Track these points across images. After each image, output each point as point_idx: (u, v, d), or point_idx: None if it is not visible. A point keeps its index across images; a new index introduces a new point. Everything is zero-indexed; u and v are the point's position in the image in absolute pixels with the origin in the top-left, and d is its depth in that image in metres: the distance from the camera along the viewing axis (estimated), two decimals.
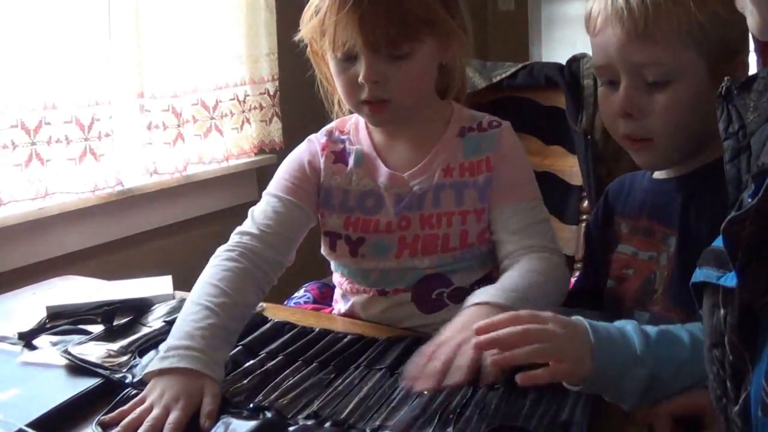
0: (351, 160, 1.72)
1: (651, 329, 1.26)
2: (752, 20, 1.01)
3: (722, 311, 1.01)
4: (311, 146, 1.75)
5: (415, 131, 1.70)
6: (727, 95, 1.09)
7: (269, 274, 1.63)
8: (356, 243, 1.70)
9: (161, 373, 1.36)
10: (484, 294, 1.43)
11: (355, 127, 1.75)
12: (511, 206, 1.65)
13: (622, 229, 1.60)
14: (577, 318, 1.25)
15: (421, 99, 1.66)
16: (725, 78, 1.10)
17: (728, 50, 1.41)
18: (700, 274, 1.07)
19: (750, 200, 1.00)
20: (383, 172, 1.69)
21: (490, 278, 1.67)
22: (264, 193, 1.75)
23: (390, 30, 1.52)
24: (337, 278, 1.81)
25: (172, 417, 1.26)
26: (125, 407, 1.30)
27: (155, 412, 1.27)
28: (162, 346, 1.43)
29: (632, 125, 1.46)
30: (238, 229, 1.71)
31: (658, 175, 1.56)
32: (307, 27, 1.63)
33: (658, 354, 1.22)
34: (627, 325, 1.26)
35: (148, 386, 1.34)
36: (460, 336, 1.29)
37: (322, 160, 1.72)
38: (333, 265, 1.79)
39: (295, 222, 1.70)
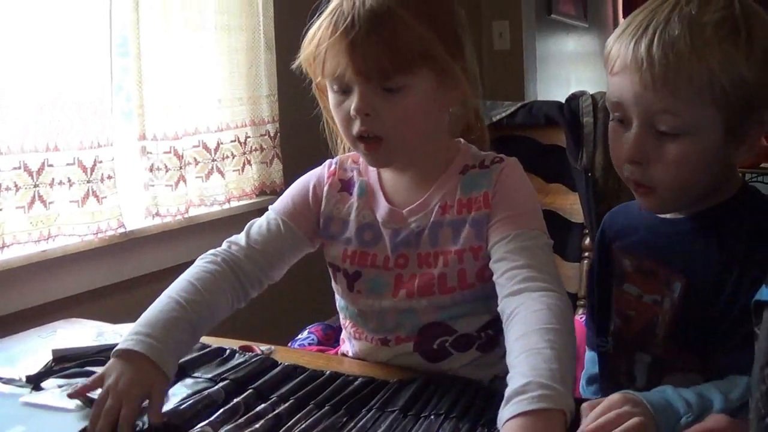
0: (355, 191, 1.72)
1: (688, 393, 1.28)
2: None
3: None
4: (321, 171, 1.76)
5: (420, 168, 1.68)
6: None
7: (246, 288, 1.69)
8: (353, 277, 1.69)
9: (120, 355, 1.46)
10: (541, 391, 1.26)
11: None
12: (508, 234, 1.56)
13: (626, 266, 1.59)
14: (634, 394, 1.27)
15: (417, 138, 1.61)
16: None
17: (747, 108, 1.37)
18: (765, 293, 1.08)
19: None
20: (383, 206, 1.68)
21: (498, 322, 1.57)
22: (269, 207, 1.78)
23: (382, 60, 1.49)
24: (341, 319, 1.80)
25: (123, 412, 1.36)
26: (88, 382, 1.46)
27: (109, 402, 1.38)
28: (129, 329, 1.50)
29: (638, 171, 1.44)
30: (231, 237, 1.77)
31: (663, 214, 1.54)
32: (304, 54, 1.60)
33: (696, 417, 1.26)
34: (667, 390, 1.29)
35: (108, 365, 1.46)
36: None
37: (325, 188, 1.73)
38: (338, 305, 1.78)
39: (286, 245, 1.73)
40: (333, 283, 1.75)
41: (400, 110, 1.54)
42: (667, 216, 1.53)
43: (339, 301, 1.77)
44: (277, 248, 1.72)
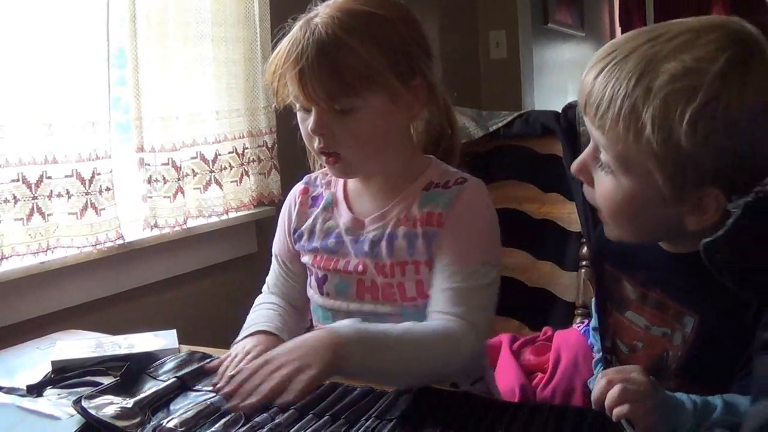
0: (321, 204, 1.80)
1: (697, 398, 1.29)
2: None
3: None
4: (291, 196, 1.89)
5: (385, 182, 1.74)
6: None
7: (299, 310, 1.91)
8: (322, 279, 1.79)
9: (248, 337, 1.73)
10: (342, 324, 1.51)
11: None
12: (449, 266, 1.64)
13: (629, 294, 1.53)
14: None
15: (375, 153, 1.69)
16: None
17: (690, 179, 1.23)
18: None
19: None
20: (345, 214, 1.77)
21: None
22: (273, 249, 1.92)
23: (329, 85, 1.57)
24: (314, 322, 1.87)
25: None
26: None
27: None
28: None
29: (587, 189, 1.41)
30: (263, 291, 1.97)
31: (667, 247, 1.45)
32: (266, 77, 1.70)
33: (701, 417, 1.27)
34: (682, 396, 1.30)
35: (234, 348, 1.70)
36: (283, 358, 1.41)
37: (296, 209, 1.85)
38: (312, 309, 1.86)
39: (300, 280, 1.89)
40: (308, 287, 1.84)
41: (352, 130, 1.62)
42: (667, 248, 1.45)
43: (312, 305, 1.84)
44: (293, 287, 1.91)
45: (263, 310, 1.86)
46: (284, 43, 1.63)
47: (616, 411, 1.24)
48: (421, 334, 1.55)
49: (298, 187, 1.89)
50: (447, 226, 1.66)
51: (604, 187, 1.33)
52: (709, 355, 1.39)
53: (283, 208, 1.90)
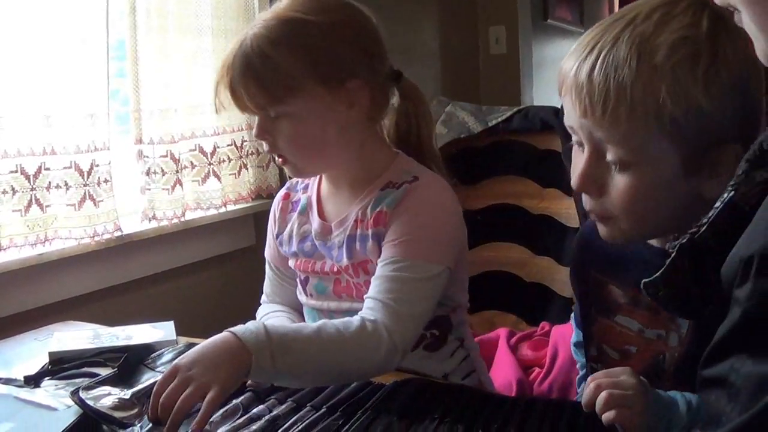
0: (298, 208, 1.84)
1: (692, 398, 1.28)
2: (757, 45, 0.95)
3: None
4: (275, 202, 1.93)
5: (351, 183, 1.77)
6: None
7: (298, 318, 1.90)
8: (304, 281, 1.84)
9: None
10: (246, 328, 1.45)
11: (315, 177, 1.85)
12: (383, 259, 1.65)
13: (618, 298, 1.50)
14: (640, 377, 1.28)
15: (316, 155, 1.71)
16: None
17: (710, 140, 1.23)
18: None
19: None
20: (316, 220, 1.79)
21: (446, 319, 1.80)
22: (265, 254, 1.96)
23: (254, 96, 1.63)
24: (306, 320, 1.89)
25: None
26: None
27: None
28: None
29: (591, 202, 1.35)
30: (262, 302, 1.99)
31: (661, 243, 1.41)
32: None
33: (695, 417, 1.25)
34: (676, 395, 1.28)
35: None
36: (186, 373, 1.37)
37: (277, 214, 1.90)
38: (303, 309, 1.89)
39: (292, 284, 1.91)
40: (297, 291, 1.88)
41: (286, 134, 1.66)
42: (655, 244, 1.43)
43: (304, 308, 1.88)
44: (290, 291, 1.92)
45: (272, 319, 1.86)
46: (226, 53, 1.69)
47: (604, 417, 1.24)
48: (335, 331, 1.51)
49: (281, 192, 1.93)
50: (391, 225, 1.67)
51: (623, 186, 1.28)
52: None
53: (269, 215, 1.94)
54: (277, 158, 1.74)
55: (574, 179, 1.34)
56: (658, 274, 1.08)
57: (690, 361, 1.33)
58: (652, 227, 1.36)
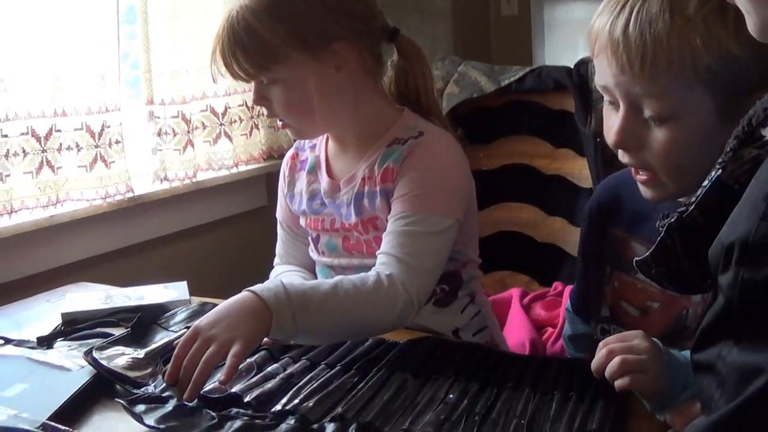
0: (306, 167, 1.87)
1: None
2: (749, 20, 0.91)
3: None
4: (283, 162, 1.96)
5: (356, 141, 1.80)
6: None
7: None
8: (316, 239, 1.88)
9: None
10: (265, 286, 1.48)
11: (323, 137, 1.88)
12: (393, 214, 1.68)
13: (639, 253, 1.39)
14: (655, 339, 1.28)
15: (313, 117, 1.74)
16: None
17: (742, 87, 1.23)
18: None
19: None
20: (325, 178, 1.82)
21: (456, 274, 1.81)
22: (277, 215, 1.98)
23: (242, 65, 1.69)
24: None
25: None
26: None
27: None
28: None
29: (629, 156, 1.36)
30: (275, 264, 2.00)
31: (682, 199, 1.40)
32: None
33: None
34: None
35: None
36: (208, 332, 1.38)
37: (286, 173, 1.94)
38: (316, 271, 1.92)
39: (304, 243, 1.94)
40: (310, 249, 1.91)
41: (280, 99, 1.72)
42: (683, 200, 1.39)
43: (316, 266, 1.91)
44: (302, 250, 1.95)
45: (287, 278, 1.86)
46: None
47: (618, 383, 1.24)
48: (352, 286, 1.54)
49: (289, 152, 1.97)
50: (399, 181, 1.69)
51: (662, 139, 1.29)
52: None
53: (279, 177, 1.97)
54: (278, 122, 1.79)
55: (611, 136, 1.34)
56: (648, 252, 1.07)
57: None
58: (692, 179, 1.31)
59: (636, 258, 1.13)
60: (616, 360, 1.24)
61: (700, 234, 0.99)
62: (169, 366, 1.36)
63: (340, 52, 1.69)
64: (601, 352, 1.28)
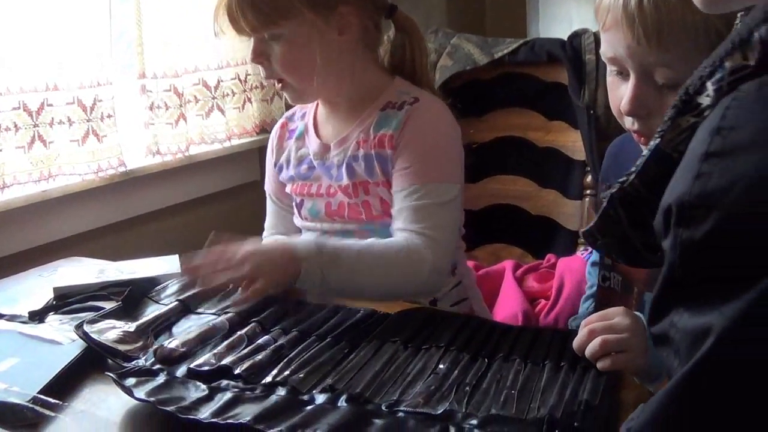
0: (295, 134, 1.91)
1: None
2: None
3: None
4: (272, 134, 2.00)
5: (348, 105, 1.84)
6: None
7: None
8: (299, 205, 1.93)
9: None
10: (302, 240, 1.69)
11: (312, 104, 1.92)
12: (401, 188, 1.74)
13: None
14: (637, 314, 1.31)
15: (312, 77, 1.76)
16: None
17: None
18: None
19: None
20: (314, 141, 1.86)
21: None
22: (265, 187, 2.03)
23: (248, 18, 1.70)
24: None
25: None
26: None
27: None
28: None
29: (639, 123, 1.41)
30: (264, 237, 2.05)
31: None
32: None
33: None
34: None
35: None
36: (248, 256, 1.57)
37: (275, 142, 1.98)
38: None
39: (290, 214, 1.98)
40: (294, 217, 1.95)
41: (281, 56, 1.74)
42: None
43: (301, 230, 1.94)
44: (290, 221, 1.99)
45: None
46: None
47: (599, 365, 1.27)
48: (383, 249, 1.64)
49: (279, 122, 2.02)
50: (399, 149, 1.74)
51: None
52: None
53: (267, 149, 2.01)
54: (276, 84, 1.80)
55: (625, 105, 1.38)
56: (591, 223, 1.09)
57: None
58: None
59: (582, 229, 1.15)
60: (597, 341, 1.27)
61: (644, 204, 1.00)
62: (194, 263, 1.62)
63: (345, 16, 1.73)
64: (582, 332, 1.32)
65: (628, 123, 1.43)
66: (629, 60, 1.35)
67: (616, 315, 1.30)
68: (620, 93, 1.40)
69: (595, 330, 1.28)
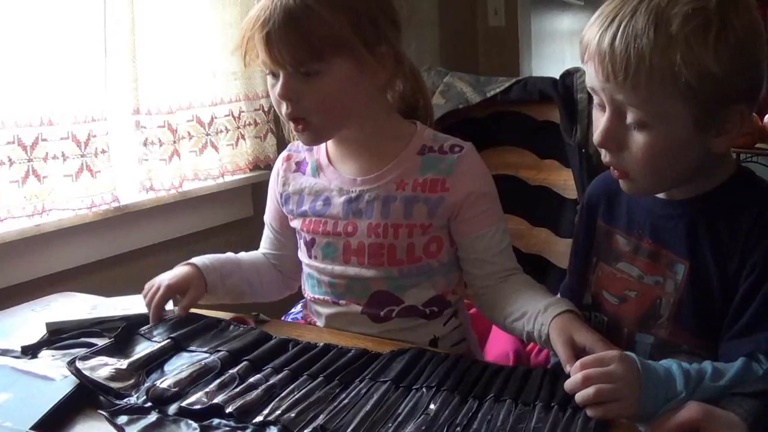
0: (308, 169, 1.85)
1: (689, 367, 1.33)
2: None
3: None
4: (276, 164, 1.95)
5: (371, 146, 1.80)
6: None
7: (287, 276, 1.99)
8: (310, 243, 1.84)
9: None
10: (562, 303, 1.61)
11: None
12: (478, 234, 1.77)
13: (621, 245, 1.61)
14: (633, 357, 1.32)
15: (341, 118, 1.73)
16: None
17: (719, 101, 1.35)
18: None
19: None
20: (336, 175, 1.81)
21: (442, 299, 1.83)
22: (265, 217, 1.98)
23: (294, 50, 1.62)
24: (302, 286, 1.93)
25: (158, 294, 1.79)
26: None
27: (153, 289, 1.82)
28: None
29: (610, 156, 1.46)
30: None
31: (664, 195, 1.54)
32: (235, 42, 1.73)
33: (693, 387, 1.30)
34: (672, 365, 1.33)
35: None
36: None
37: (281, 174, 1.91)
38: (303, 274, 1.91)
39: (290, 243, 1.94)
40: (299, 252, 1.90)
41: (318, 93, 1.66)
42: (663, 196, 1.53)
43: (303, 273, 1.91)
44: (282, 253, 1.97)
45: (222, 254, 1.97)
46: (255, 8, 1.67)
47: (590, 412, 1.28)
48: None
49: (282, 155, 1.94)
50: (453, 191, 1.73)
51: (641, 142, 1.39)
52: (699, 302, 1.46)
53: (270, 177, 1.95)
54: (292, 124, 1.72)
55: (597, 135, 1.44)
56: None
57: (685, 308, 1.47)
58: (667, 180, 1.47)
59: None
60: (590, 389, 1.28)
61: None
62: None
63: (383, 56, 1.70)
64: (576, 377, 1.31)
65: (603, 155, 1.48)
66: (601, 93, 1.41)
67: (612, 361, 1.30)
68: (598, 123, 1.45)
69: (590, 377, 1.29)
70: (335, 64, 1.64)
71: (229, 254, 1.97)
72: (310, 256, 1.84)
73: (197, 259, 1.88)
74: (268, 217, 1.97)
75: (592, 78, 1.42)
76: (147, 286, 1.82)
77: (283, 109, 1.70)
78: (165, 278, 1.82)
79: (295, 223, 1.87)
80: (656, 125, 1.37)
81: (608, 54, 1.35)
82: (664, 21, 1.32)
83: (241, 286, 1.92)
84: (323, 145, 1.85)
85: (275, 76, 1.69)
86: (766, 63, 1.37)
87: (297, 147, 1.92)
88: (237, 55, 1.73)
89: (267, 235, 1.99)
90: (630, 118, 1.39)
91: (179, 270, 1.85)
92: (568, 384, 1.32)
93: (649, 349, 1.54)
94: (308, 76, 1.64)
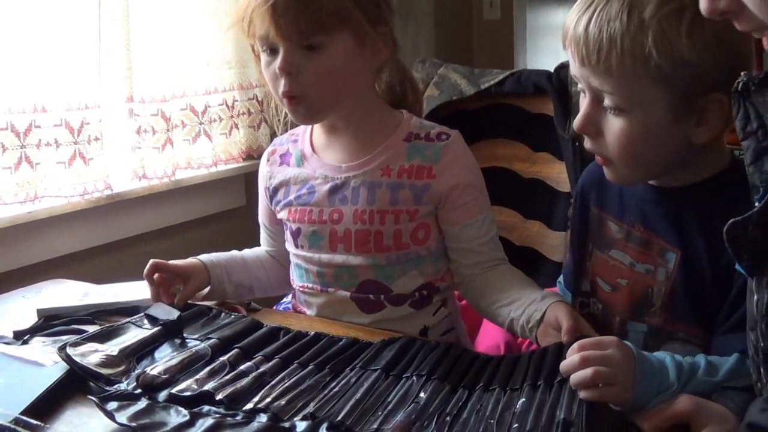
0: (292, 159, 1.85)
1: (683, 360, 1.34)
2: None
3: (755, 297, 1.11)
4: (262, 159, 1.95)
5: (357, 134, 1.80)
6: (743, 92, 1.11)
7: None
8: (296, 233, 1.84)
9: None
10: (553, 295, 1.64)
11: (303, 129, 1.88)
12: (466, 223, 1.78)
13: (614, 232, 1.61)
14: (630, 346, 1.32)
15: (338, 96, 1.73)
16: (741, 73, 1.12)
17: (696, 89, 1.36)
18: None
19: (756, 204, 1.02)
20: (320, 163, 1.81)
21: (431, 286, 1.83)
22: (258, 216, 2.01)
23: (299, 21, 1.62)
24: (291, 276, 1.92)
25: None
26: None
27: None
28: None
29: (590, 143, 1.48)
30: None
31: (656, 182, 1.54)
32: (236, 16, 1.73)
33: (685, 380, 1.31)
34: (666, 357, 1.33)
35: None
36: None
37: (267, 168, 1.92)
38: (291, 264, 1.91)
39: (283, 238, 1.93)
40: (286, 243, 1.90)
41: (319, 67, 1.67)
42: (652, 183, 1.54)
43: (291, 264, 1.90)
44: (280, 248, 1.96)
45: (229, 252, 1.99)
46: None
47: (584, 394, 1.27)
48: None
49: (267, 150, 1.96)
50: (440, 179, 1.74)
51: (617, 128, 1.41)
52: (691, 291, 1.47)
53: (258, 175, 1.96)
54: (285, 100, 1.72)
55: (576, 120, 1.47)
56: (749, 213, 1.09)
57: (676, 297, 1.48)
58: (646, 169, 1.48)
59: (734, 219, 1.12)
60: (588, 371, 1.28)
61: None
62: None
63: (383, 36, 1.72)
64: (574, 358, 1.31)
65: (585, 142, 1.50)
66: (581, 79, 1.44)
67: (610, 346, 1.30)
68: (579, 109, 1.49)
69: (588, 359, 1.28)
70: (338, 39, 1.65)
71: (234, 252, 1.98)
72: (296, 246, 1.84)
73: (203, 256, 1.91)
74: (261, 216, 1.98)
75: (571, 64, 1.46)
76: (151, 262, 1.84)
77: (280, 87, 1.69)
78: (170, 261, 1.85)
79: (282, 215, 1.87)
80: (632, 111, 1.39)
81: (582, 38, 1.39)
82: (637, 6, 1.34)
83: (249, 282, 1.94)
84: (308, 134, 1.86)
85: (273, 51, 1.68)
86: (749, 54, 1.38)
87: (281, 140, 1.93)
88: (236, 29, 1.73)
89: (263, 234, 2.00)
90: (607, 102, 1.41)
91: (184, 260, 1.89)
92: (564, 365, 1.31)
93: (642, 338, 1.54)
94: (310, 50, 1.65)
